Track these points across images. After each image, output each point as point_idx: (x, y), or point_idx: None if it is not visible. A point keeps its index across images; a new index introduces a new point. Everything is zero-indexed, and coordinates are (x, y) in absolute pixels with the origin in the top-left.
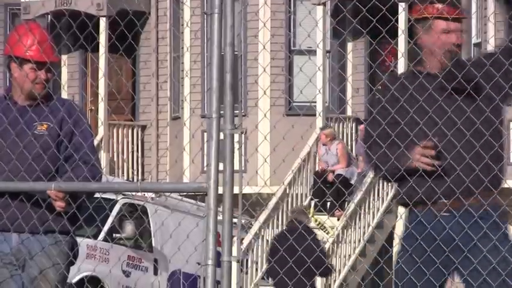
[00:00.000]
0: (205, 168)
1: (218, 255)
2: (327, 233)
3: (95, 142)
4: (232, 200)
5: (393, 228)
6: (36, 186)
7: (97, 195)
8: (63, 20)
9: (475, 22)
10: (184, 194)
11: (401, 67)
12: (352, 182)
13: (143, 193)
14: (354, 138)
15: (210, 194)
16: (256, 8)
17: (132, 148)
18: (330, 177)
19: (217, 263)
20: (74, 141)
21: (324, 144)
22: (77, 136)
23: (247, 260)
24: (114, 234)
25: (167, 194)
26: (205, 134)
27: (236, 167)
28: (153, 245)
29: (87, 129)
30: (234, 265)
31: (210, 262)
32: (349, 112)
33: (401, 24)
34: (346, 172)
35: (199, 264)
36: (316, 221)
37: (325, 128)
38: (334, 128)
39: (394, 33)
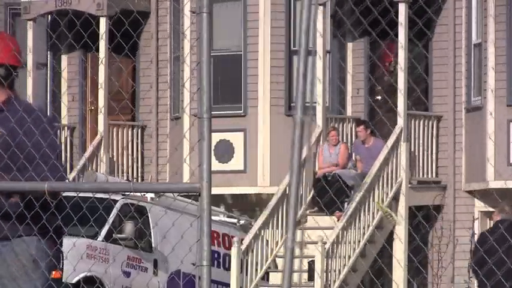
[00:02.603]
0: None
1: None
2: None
3: (95, 142)
4: (298, 183)
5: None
6: (27, 186)
7: (101, 195)
8: (64, 19)
9: (475, 22)
10: (185, 195)
11: (401, 67)
12: (351, 182)
13: (143, 194)
14: (353, 139)
15: (203, 195)
16: (256, 8)
17: (133, 148)
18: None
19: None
20: (30, 146)
21: (334, 145)
22: (31, 142)
23: (247, 261)
24: (114, 235)
25: (175, 195)
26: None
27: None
28: (153, 245)
29: (42, 133)
30: (234, 265)
31: (204, 263)
32: (349, 113)
33: (402, 25)
34: (343, 173)
35: (193, 265)
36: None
37: (334, 129)
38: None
39: (394, 34)
